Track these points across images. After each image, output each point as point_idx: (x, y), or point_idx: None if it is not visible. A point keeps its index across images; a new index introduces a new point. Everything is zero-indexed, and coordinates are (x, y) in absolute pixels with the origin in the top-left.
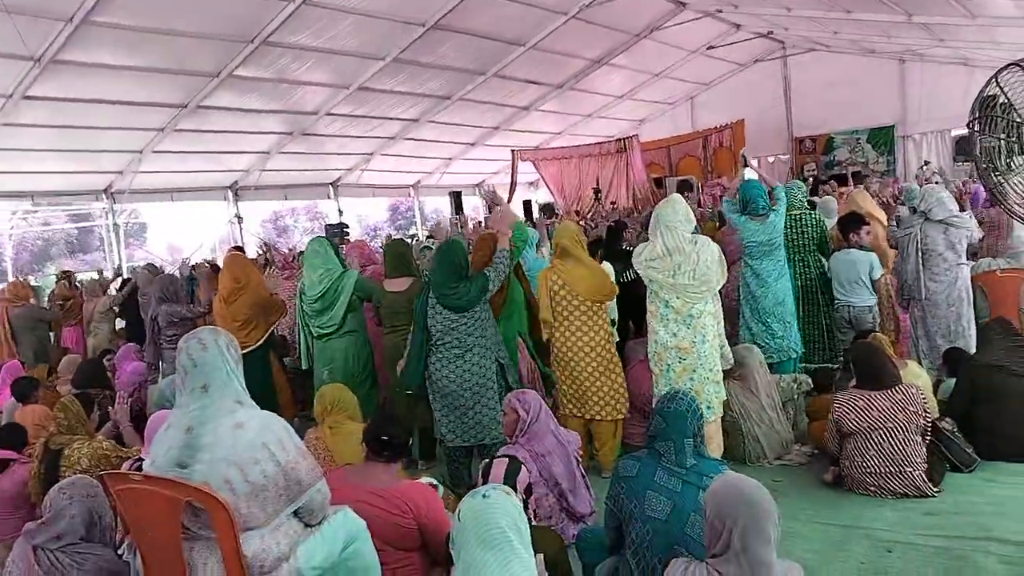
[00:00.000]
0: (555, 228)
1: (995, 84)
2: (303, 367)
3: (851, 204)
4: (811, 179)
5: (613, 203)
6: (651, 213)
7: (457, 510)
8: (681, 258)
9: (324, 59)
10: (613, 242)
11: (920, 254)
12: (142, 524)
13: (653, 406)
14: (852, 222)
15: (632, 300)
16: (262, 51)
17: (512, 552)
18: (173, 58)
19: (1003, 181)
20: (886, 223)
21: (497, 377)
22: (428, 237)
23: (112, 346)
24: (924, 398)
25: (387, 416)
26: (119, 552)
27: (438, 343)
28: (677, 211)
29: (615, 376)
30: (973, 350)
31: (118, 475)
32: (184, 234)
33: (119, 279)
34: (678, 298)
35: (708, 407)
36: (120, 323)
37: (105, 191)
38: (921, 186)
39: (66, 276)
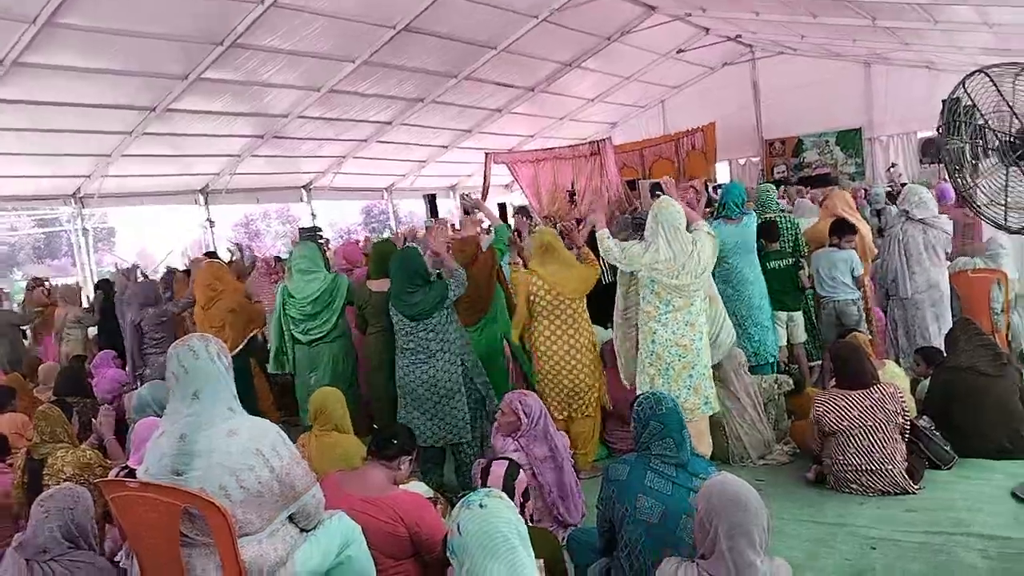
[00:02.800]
0: (531, 233)
1: (962, 88)
2: (272, 370)
3: (831, 205)
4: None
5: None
6: (625, 215)
7: (454, 521)
8: (684, 258)
9: (294, 61)
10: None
11: (903, 253)
12: (139, 531)
13: (634, 413)
14: (843, 229)
15: (607, 301)
16: (231, 53)
17: (516, 558)
18: (140, 60)
19: (971, 183)
20: (862, 225)
21: (464, 379)
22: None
23: (86, 352)
24: (903, 397)
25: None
26: (116, 559)
27: (403, 347)
28: (676, 211)
29: (596, 374)
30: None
31: (115, 482)
32: (154, 239)
33: (93, 288)
34: (680, 297)
35: (707, 402)
36: (92, 330)
37: (73, 195)
38: (894, 187)
39: (39, 283)
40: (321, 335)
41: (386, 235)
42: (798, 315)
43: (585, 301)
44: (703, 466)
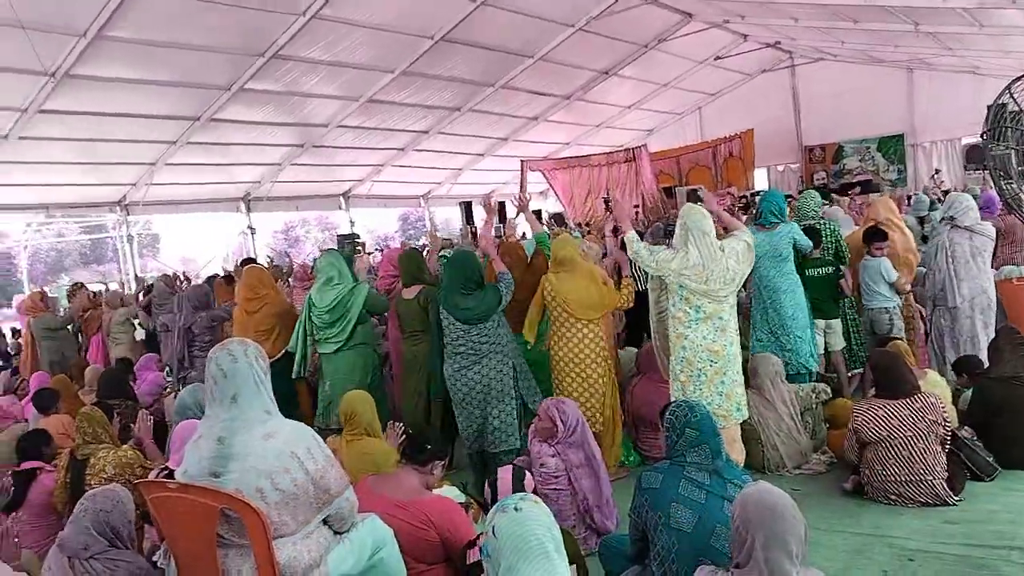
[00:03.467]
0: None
1: (1008, 94)
2: (294, 376)
3: (873, 213)
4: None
5: (637, 207)
6: (659, 222)
7: (489, 525)
8: (712, 264)
9: (334, 72)
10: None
11: (950, 261)
12: (177, 531)
13: (666, 422)
14: (873, 236)
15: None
16: (273, 64)
17: (550, 562)
18: (185, 71)
19: (1017, 190)
20: (904, 231)
21: (516, 383)
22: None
23: (132, 356)
24: (944, 407)
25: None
26: (155, 559)
27: (452, 352)
28: (703, 217)
29: (598, 389)
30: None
31: (154, 483)
32: (196, 245)
33: (141, 291)
34: (710, 303)
35: (738, 409)
36: (140, 334)
37: (119, 203)
38: (937, 196)
39: (81, 287)
40: (339, 343)
41: (422, 241)
42: (836, 323)
43: (598, 318)
44: (737, 473)
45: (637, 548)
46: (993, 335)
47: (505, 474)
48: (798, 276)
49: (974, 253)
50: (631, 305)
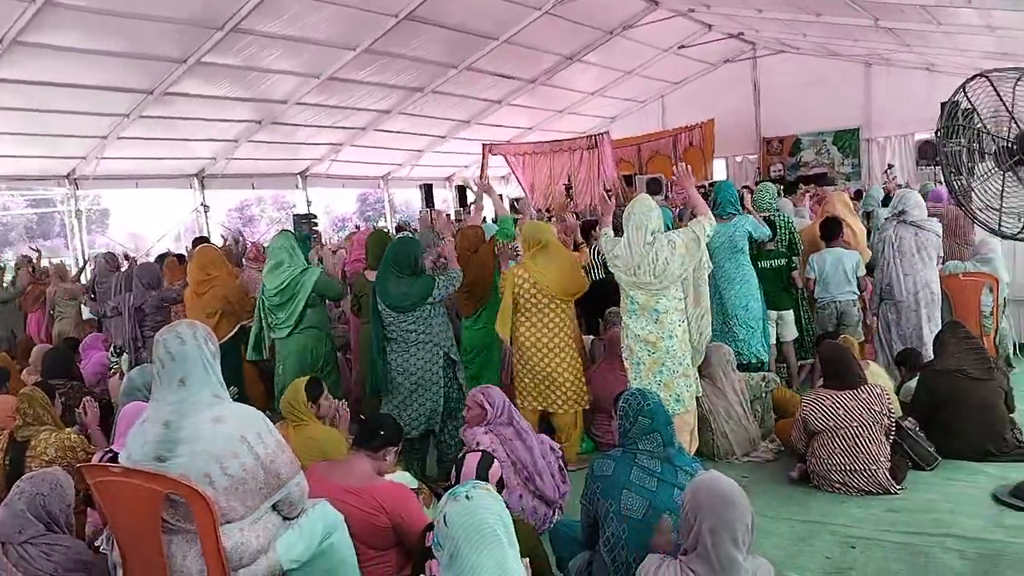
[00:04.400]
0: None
1: (961, 92)
2: (251, 358)
3: (830, 207)
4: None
5: (592, 205)
6: (617, 210)
7: (440, 513)
8: (639, 258)
9: (294, 48)
10: (585, 240)
11: (896, 255)
12: (120, 516)
13: (619, 410)
14: (832, 228)
15: (600, 297)
16: (231, 38)
17: (501, 549)
18: (140, 43)
19: (968, 187)
20: (858, 227)
21: (445, 371)
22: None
23: (77, 333)
24: (889, 398)
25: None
26: (97, 544)
27: (387, 336)
28: (647, 210)
29: (576, 370)
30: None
31: (97, 467)
32: (147, 222)
33: (85, 266)
34: (642, 294)
35: (677, 400)
36: (86, 310)
37: (67, 176)
38: (887, 189)
39: (28, 262)
40: (289, 327)
41: (382, 224)
42: (788, 314)
43: (571, 300)
44: (688, 461)
45: (588, 534)
46: (938, 329)
47: (471, 460)
48: (752, 267)
49: (919, 248)
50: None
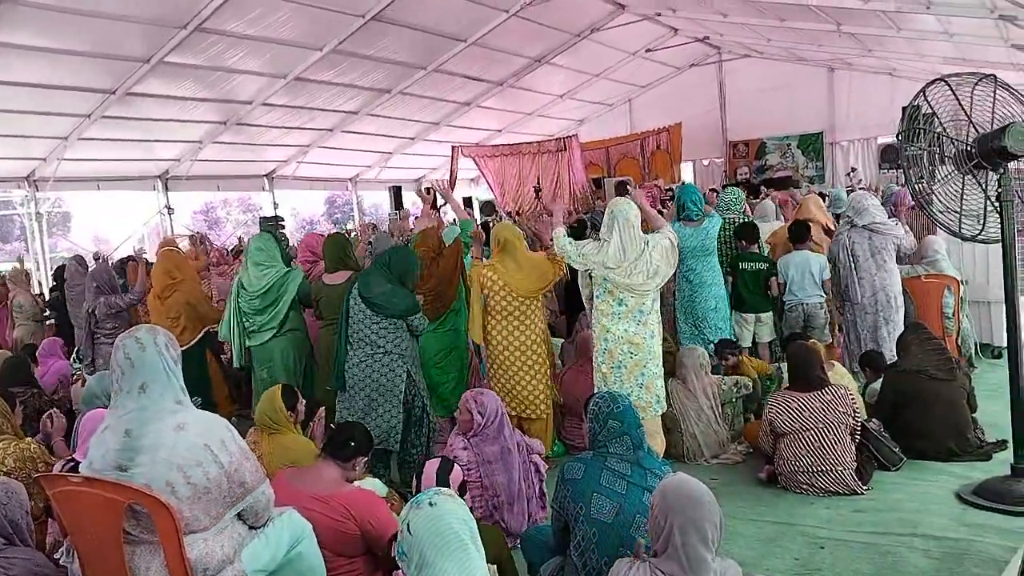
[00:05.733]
0: (494, 227)
1: (922, 96)
2: (235, 365)
3: (804, 210)
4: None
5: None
6: (584, 215)
7: (403, 521)
8: (636, 258)
9: (260, 47)
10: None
11: (851, 259)
12: (81, 528)
13: (589, 413)
14: (804, 229)
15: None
16: (196, 37)
17: (467, 555)
18: (101, 42)
19: (928, 190)
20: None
21: (406, 387)
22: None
23: (35, 340)
24: (854, 399)
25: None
26: (56, 556)
27: (351, 338)
28: (633, 207)
29: (544, 374)
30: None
31: (57, 477)
32: (111, 225)
33: (48, 272)
34: (632, 296)
35: (658, 401)
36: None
37: (27, 178)
38: (848, 193)
39: None
40: (272, 330)
41: (349, 227)
42: (767, 315)
43: (539, 300)
44: (657, 464)
45: (558, 539)
46: (897, 332)
47: (430, 467)
48: (720, 269)
49: (874, 251)
50: (565, 275)
